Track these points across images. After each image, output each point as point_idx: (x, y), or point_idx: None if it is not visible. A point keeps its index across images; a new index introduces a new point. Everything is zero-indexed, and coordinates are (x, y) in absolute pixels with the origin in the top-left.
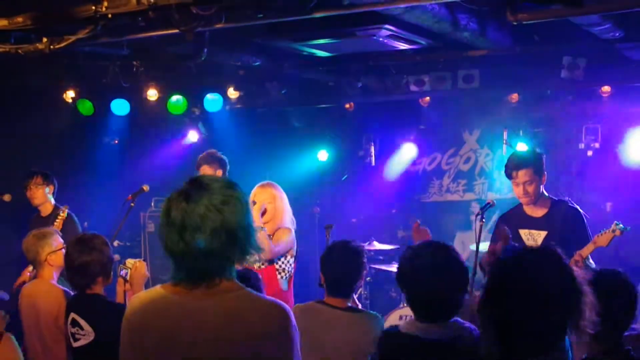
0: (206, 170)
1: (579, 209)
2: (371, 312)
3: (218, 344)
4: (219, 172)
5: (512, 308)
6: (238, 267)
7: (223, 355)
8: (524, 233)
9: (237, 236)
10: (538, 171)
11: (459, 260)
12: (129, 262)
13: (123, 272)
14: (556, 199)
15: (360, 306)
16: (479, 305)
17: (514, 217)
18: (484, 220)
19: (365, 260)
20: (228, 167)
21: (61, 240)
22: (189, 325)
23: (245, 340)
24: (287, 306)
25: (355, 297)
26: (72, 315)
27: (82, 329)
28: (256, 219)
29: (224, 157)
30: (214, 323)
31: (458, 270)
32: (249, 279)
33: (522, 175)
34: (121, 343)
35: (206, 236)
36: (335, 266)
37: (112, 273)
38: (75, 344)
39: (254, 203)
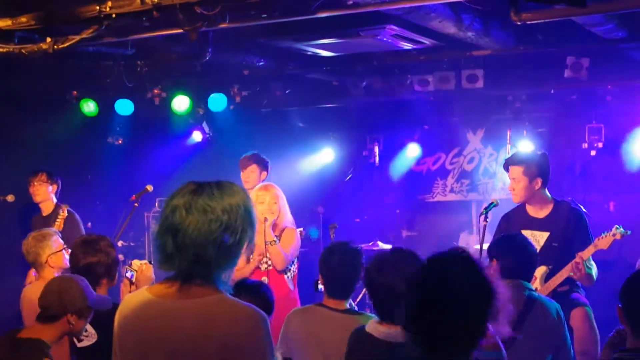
0: (254, 170)
1: (582, 210)
2: (370, 314)
3: (191, 346)
4: (264, 174)
5: (432, 316)
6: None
7: (196, 357)
8: (526, 234)
9: (189, 248)
10: (528, 172)
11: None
12: (135, 263)
13: (129, 274)
14: (559, 199)
15: (356, 308)
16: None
17: (516, 217)
18: (487, 220)
19: (363, 261)
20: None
21: (61, 242)
22: (164, 327)
23: (217, 344)
24: (262, 312)
25: (352, 302)
26: None
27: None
28: (268, 235)
29: (267, 160)
30: (187, 325)
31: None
32: (258, 287)
33: (511, 171)
34: (113, 344)
35: (164, 234)
36: (333, 268)
37: (117, 275)
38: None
39: (265, 219)
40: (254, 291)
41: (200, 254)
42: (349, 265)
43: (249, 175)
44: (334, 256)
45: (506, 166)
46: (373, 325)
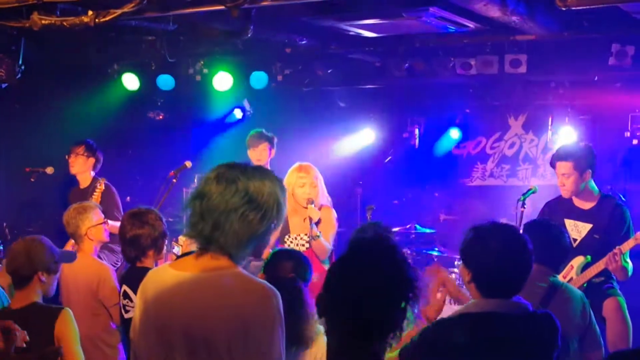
0: (265, 148)
1: (626, 207)
2: None
3: (203, 317)
4: (273, 152)
5: (354, 303)
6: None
7: (210, 328)
8: (569, 223)
9: (212, 223)
10: (578, 166)
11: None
12: (182, 239)
13: (175, 249)
14: (605, 194)
15: None
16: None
17: (561, 205)
18: (525, 206)
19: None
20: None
21: (102, 215)
22: (180, 299)
23: (229, 317)
24: (274, 289)
25: None
26: (124, 287)
27: (132, 301)
28: (312, 230)
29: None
30: (201, 297)
31: (525, 250)
32: (299, 259)
33: (560, 167)
34: (133, 317)
35: (194, 204)
36: None
37: (164, 248)
38: (127, 315)
39: (312, 202)
40: (295, 255)
41: (221, 221)
42: None
43: (261, 154)
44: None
45: (553, 162)
46: (485, 304)
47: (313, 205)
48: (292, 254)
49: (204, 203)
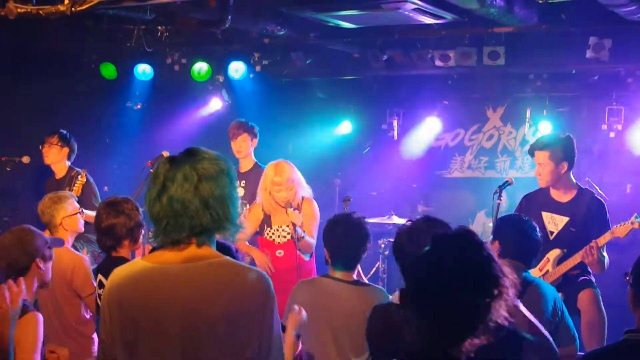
0: (246, 139)
1: (603, 201)
2: (376, 285)
3: (204, 309)
4: (255, 141)
5: (436, 302)
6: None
7: (210, 319)
8: (546, 216)
9: (210, 204)
10: (554, 157)
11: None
12: None
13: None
14: (583, 187)
15: (365, 279)
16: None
17: (539, 198)
18: (501, 198)
19: (368, 232)
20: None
21: (77, 205)
22: (173, 291)
23: (227, 305)
24: (265, 274)
25: (360, 269)
26: (99, 276)
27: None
28: (296, 232)
29: (256, 127)
30: (198, 288)
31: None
32: (229, 249)
33: (537, 156)
34: (100, 316)
35: (179, 197)
36: (338, 240)
37: (140, 238)
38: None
39: (290, 206)
40: (225, 249)
41: (193, 215)
42: (354, 235)
43: (241, 145)
44: (338, 227)
45: (531, 151)
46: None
47: (292, 209)
48: (223, 248)
49: (175, 201)
